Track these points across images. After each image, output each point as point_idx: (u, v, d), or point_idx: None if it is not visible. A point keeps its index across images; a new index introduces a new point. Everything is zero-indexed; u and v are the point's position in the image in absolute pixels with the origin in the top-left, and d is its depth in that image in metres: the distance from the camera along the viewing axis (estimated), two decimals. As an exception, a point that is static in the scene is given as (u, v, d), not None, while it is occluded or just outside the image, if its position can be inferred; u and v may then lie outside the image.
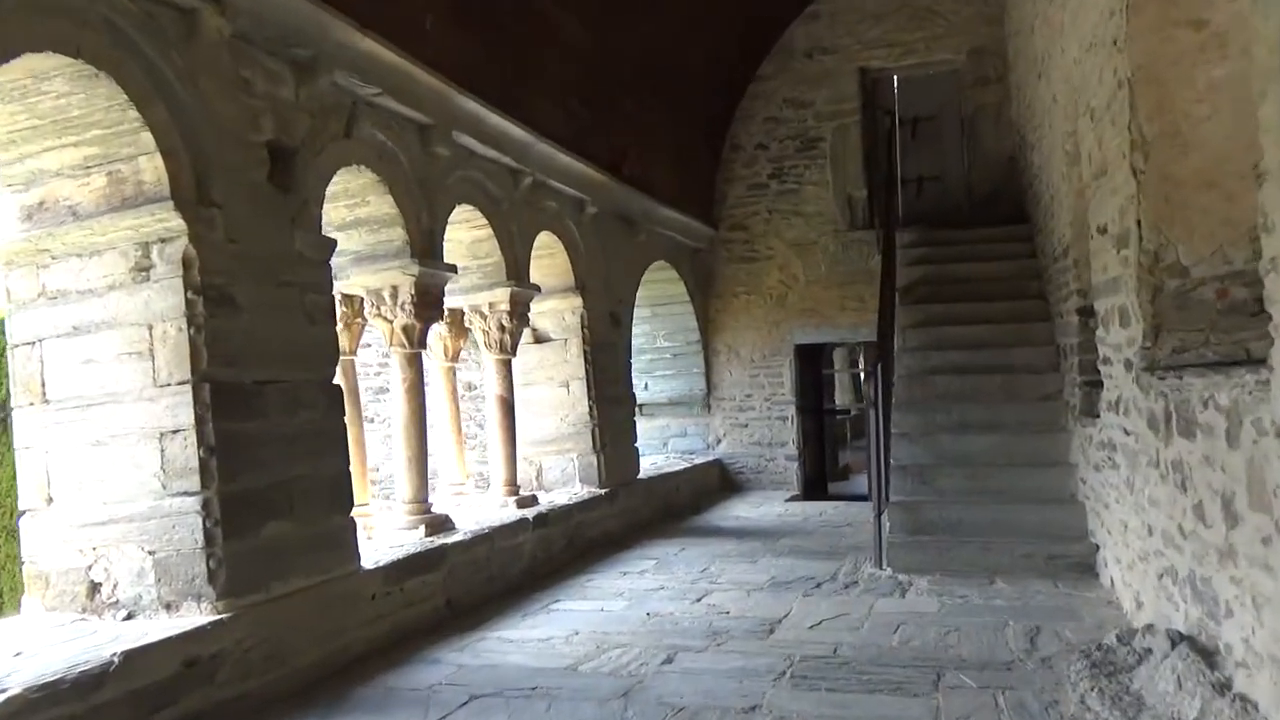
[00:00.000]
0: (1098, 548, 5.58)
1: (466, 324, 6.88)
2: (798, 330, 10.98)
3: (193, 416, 3.77)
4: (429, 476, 5.79)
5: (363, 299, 5.67)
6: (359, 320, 5.80)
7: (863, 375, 10.01)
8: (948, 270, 8.59)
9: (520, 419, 7.81)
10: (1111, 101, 4.52)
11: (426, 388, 5.86)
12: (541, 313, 7.92)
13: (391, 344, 5.66)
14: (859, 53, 10.79)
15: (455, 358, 7.05)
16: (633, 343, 11.05)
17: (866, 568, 6.10)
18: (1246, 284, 3.98)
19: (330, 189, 5.19)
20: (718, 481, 10.93)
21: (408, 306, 5.55)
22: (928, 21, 10.56)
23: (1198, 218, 4.06)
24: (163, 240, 3.83)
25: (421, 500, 5.65)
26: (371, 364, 11.79)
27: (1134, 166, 4.18)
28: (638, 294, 10.31)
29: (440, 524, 5.64)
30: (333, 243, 4.68)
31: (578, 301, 7.85)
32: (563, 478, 7.90)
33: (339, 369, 5.52)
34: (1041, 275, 7.98)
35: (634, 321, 10.85)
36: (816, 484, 11.48)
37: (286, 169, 4.38)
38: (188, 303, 3.79)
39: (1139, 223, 4.13)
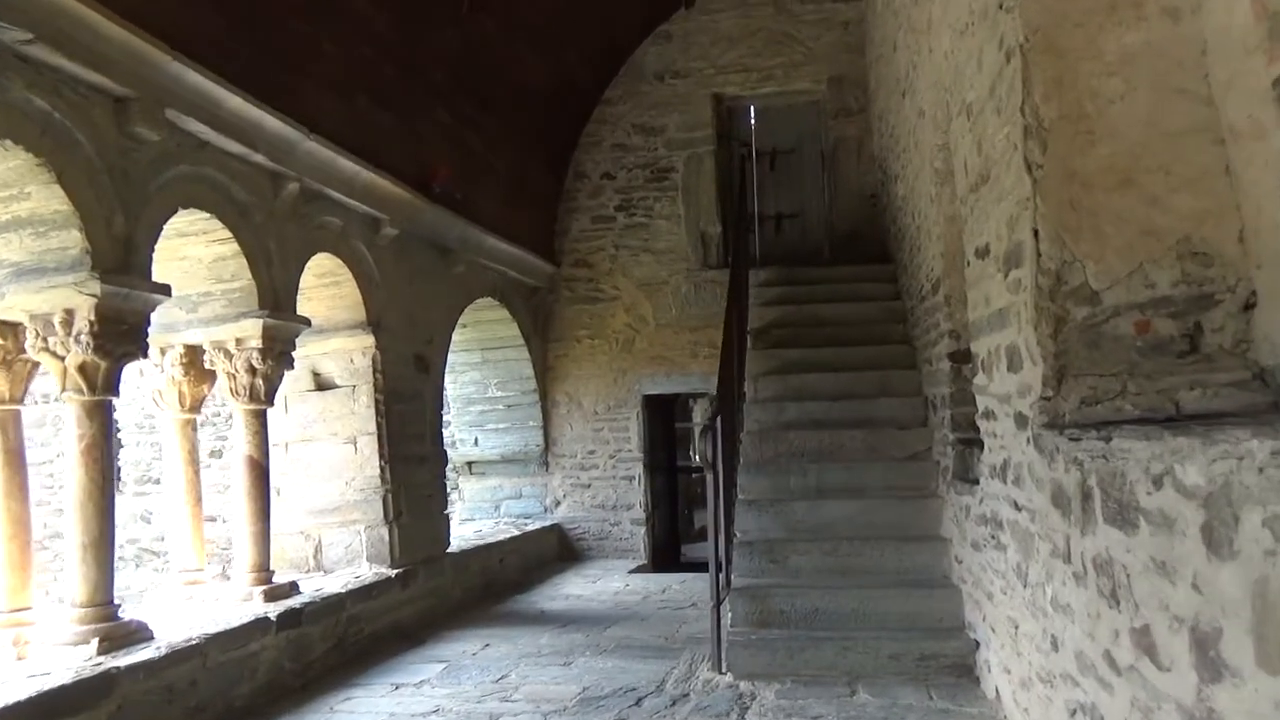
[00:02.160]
0: (977, 644, 4.53)
1: (209, 364, 5.40)
2: (646, 379, 9.85)
3: None
4: (113, 566, 4.27)
5: (24, 328, 4.16)
6: (21, 357, 4.28)
7: (697, 431, 8.92)
8: (807, 311, 7.62)
9: (297, 483, 6.38)
10: (996, 84, 3.55)
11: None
12: (325, 353, 6.50)
13: (64, 388, 4.17)
14: (713, 77, 9.91)
15: (195, 408, 5.55)
16: (463, 391, 9.81)
17: (703, 671, 4.88)
18: (1173, 314, 3.00)
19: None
20: (555, 550, 9.60)
21: (85, 338, 4.08)
22: (786, 47, 9.77)
23: (1111, 227, 3.07)
24: None
25: (103, 602, 4.14)
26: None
27: (1028, 160, 3.17)
28: (462, 336, 9.05)
29: (126, 635, 4.13)
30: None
31: (369, 341, 6.46)
32: (347, 555, 6.43)
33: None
34: (907, 318, 7.09)
35: (463, 368, 9.61)
36: (667, 550, 10.29)
37: None
38: None
39: (1036, 233, 3.12)
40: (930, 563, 5.20)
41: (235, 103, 4.83)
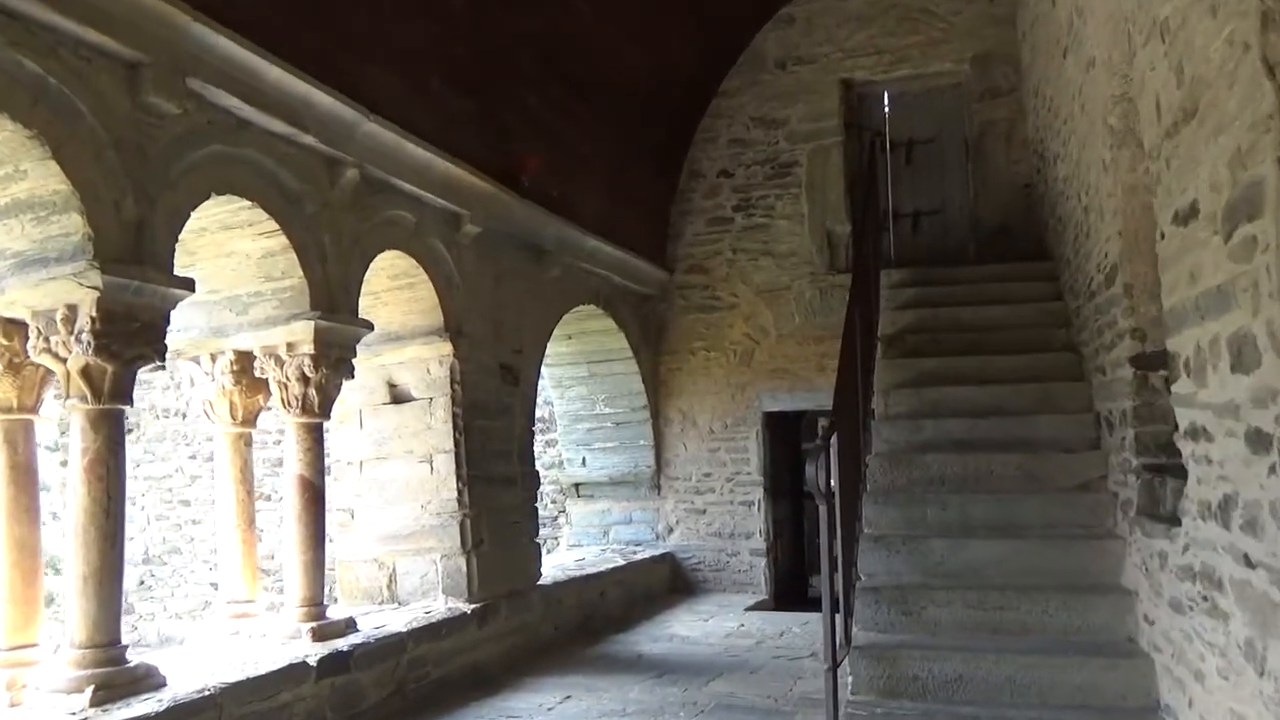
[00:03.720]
0: (1179, 736, 3.44)
1: (260, 372, 4.86)
2: (767, 395, 8.92)
3: None
4: (119, 600, 3.72)
5: (27, 325, 3.67)
6: (29, 361, 3.78)
7: (808, 453, 7.91)
8: (947, 315, 6.56)
9: (371, 506, 5.81)
10: (1209, -28, 2.55)
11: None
12: (401, 363, 5.92)
13: (68, 395, 3.65)
14: (840, 62, 8.94)
15: (248, 421, 5.02)
16: (569, 408, 9.16)
17: (816, 750, 3.96)
18: None
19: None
20: (666, 582, 8.76)
21: (86, 337, 3.55)
22: (922, 24, 8.72)
23: None
24: None
25: (106, 643, 3.58)
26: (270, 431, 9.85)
27: (1268, 60, 2.19)
28: (567, 348, 8.41)
29: (131, 683, 3.56)
30: None
31: (446, 349, 5.83)
32: (422, 586, 5.80)
33: (-5, 433, 3.58)
34: (1071, 321, 5.95)
35: (569, 382, 8.96)
36: (791, 584, 9.28)
37: None
38: None
39: (1285, 163, 2.13)
40: (1108, 622, 4.11)
41: (276, 75, 4.28)
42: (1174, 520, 3.44)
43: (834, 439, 4.03)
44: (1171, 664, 3.52)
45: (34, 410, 3.88)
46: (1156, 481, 3.94)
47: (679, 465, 9.14)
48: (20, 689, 3.54)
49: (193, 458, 11.08)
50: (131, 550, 11.31)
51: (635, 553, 8.68)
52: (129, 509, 11.28)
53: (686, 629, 7.04)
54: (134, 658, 3.70)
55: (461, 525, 5.76)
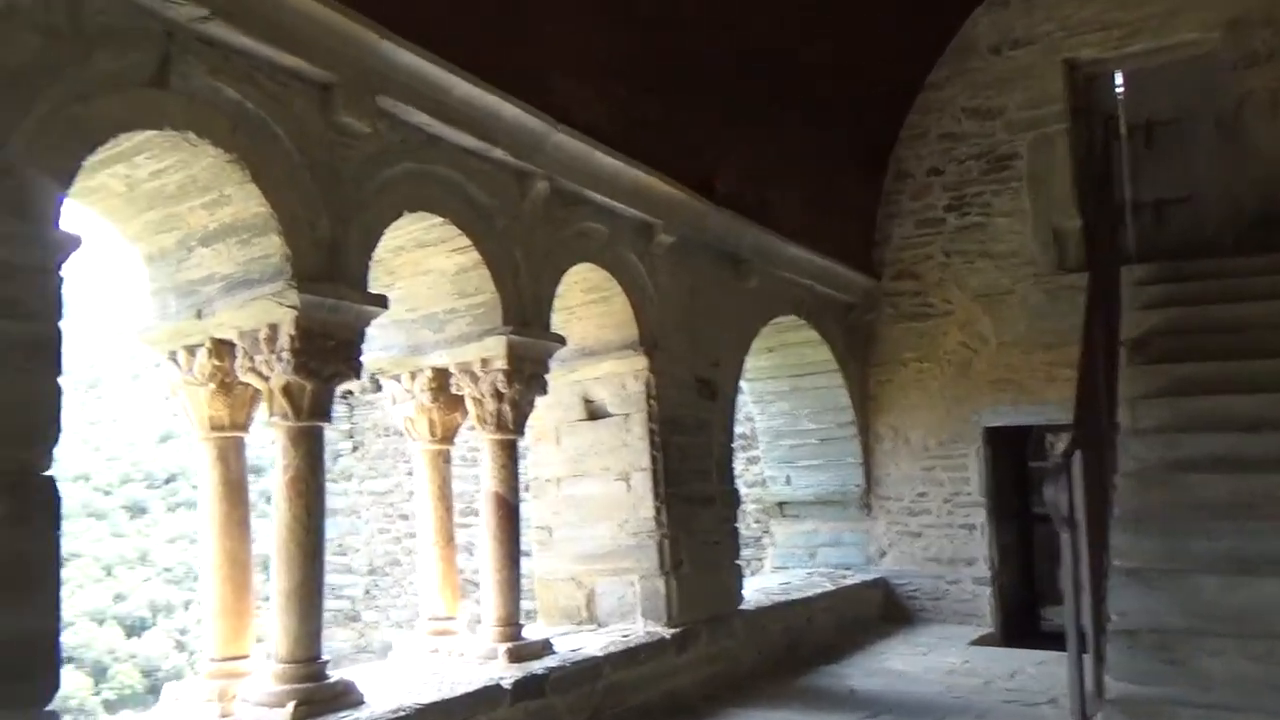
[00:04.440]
0: None
1: (456, 389, 4.86)
2: (988, 409, 8.20)
3: None
4: (319, 616, 3.73)
5: (235, 346, 3.78)
6: (235, 378, 3.89)
7: (1042, 473, 7.14)
8: (1202, 315, 5.75)
9: (569, 524, 5.73)
10: None
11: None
12: (596, 378, 5.81)
13: (270, 413, 3.72)
14: (1063, 41, 8.13)
15: (446, 438, 5.02)
16: (771, 424, 8.81)
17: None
18: None
19: (164, 178, 3.43)
20: (878, 610, 8.19)
21: (287, 356, 3.60)
22: (1161, -10, 7.80)
23: None
24: None
25: (306, 658, 3.60)
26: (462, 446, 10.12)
27: None
28: (767, 362, 8.09)
29: (331, 699, 3.56)
30: (57, 237, 2.79)
31: (642, 363, 5.66)
32: (620, 608, 5.62)
33: (211, 449, 3.71)
34: (1367, 315, 5.02)
35: (770, 397, 8.62)
36: (1020, 617, 8.47)
37: (-47, 108, 2.57)
38: None
39: None
40: None
41: (464, 89, 4.25)
42: None
43: (1076, 457, 3.49)
44: None
45: (244, 428, 3.98)
46: None
47: (890, 484, 8.56)
48: (230, 700, 3.61)
49: (410, 474, 11.54)
50: (357, 561, 11.99)
51: (845, 577, 8.18)
52: (355, 522, 11.92)
53: (903, 663, 6.50)
54: (334, 674, 3.70)
55: (659, 545, 5.55)
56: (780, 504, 8.91)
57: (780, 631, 6.58)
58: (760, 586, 7.49)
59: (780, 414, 8.77)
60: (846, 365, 8.42)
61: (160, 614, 33.01)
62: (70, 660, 32.01)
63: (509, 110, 4.50)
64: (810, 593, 7.30)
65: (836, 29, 7.14)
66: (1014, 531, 8.71)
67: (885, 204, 8.80)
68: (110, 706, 29.35)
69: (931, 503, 8.37)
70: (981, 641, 7.37)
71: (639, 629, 5.42)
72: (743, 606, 6.28)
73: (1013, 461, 8.80)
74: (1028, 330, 8.09)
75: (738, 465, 6.87)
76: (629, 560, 5.60)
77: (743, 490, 7.22)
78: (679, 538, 5.66)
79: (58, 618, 2.65)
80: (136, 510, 41.26)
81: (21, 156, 2.72)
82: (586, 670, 4.61)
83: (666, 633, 5.36)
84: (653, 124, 5.68)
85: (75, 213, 3.78)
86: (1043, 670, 6.04)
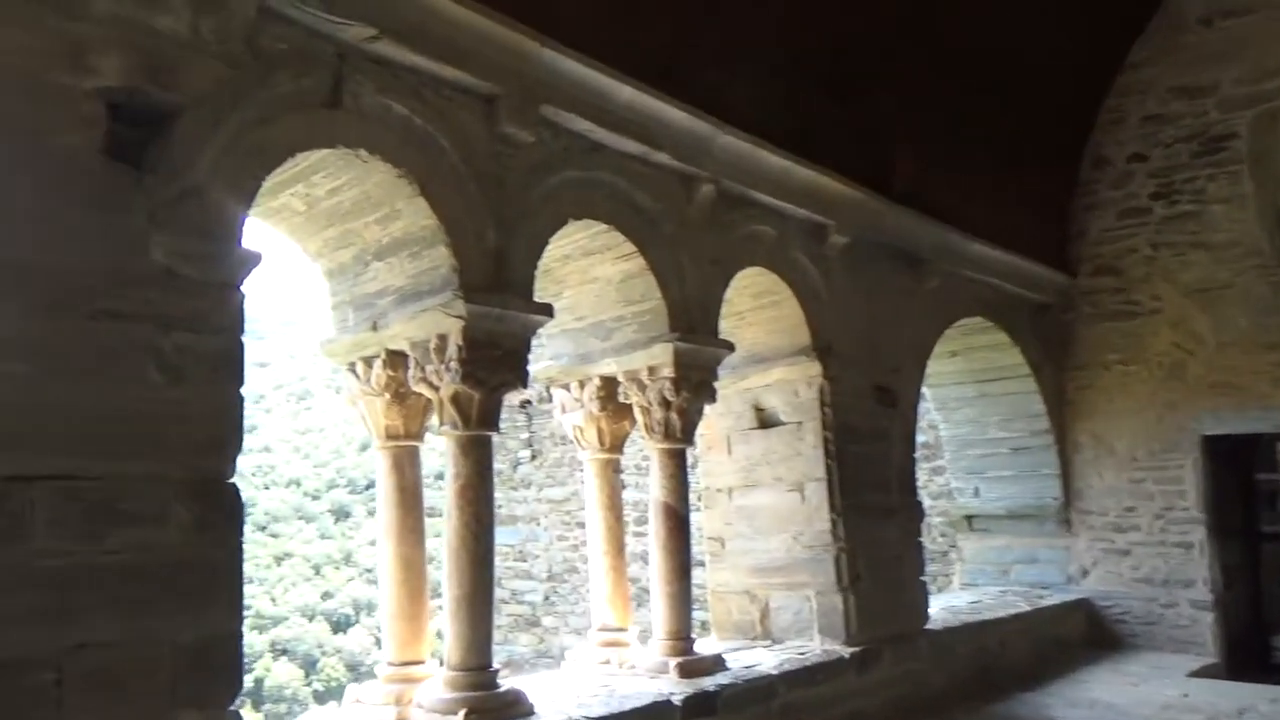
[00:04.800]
0: None
1: (623, 397, 4.82)
2: (1206, 415, 7.43)
3: None
4: (490, 624, 3.74)
5: (408, 357, 3.86)
6: (409, 389, 3.98)
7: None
8: None
9: (741, 535, 5.60)
10: None
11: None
12: (767, 385, 5.63)
13: (441, 422, 3.78)
14: (1288, 5, 7.31)
15: (615, 447, 4.99)
16: (956, 432, 8.36)
17: None
18: None
19: (340, 195, 3.56)
20: (1081, 634, 7.57)
21: (455, 365, 3.64)
22: None
23: None
24: None
25: (478, 666, 3.62)
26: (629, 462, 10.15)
27: None
28: (950, 367, 7.68)
29: (501, 708, 3.56)
30: (238, 252, 2.91)
31: (815, 369, 5.44)
32: (796, 624, 5.42)
33: (387, 457, 3.83)
34: None
35: (955, 404, 8.18)
36: (1248, 647, 7.62)
37: (146, 135, 2.72)
38: None
39: None
40: None
41: (627, 94, 4.20)
42: None
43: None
44: None
45: (418, 437, 4.08)
46: None
47: (1093, 497, 7.90)
48: (407, 704, 3.68)
49: (584, 482, 11.71)
50: (537, 568, 12.26)
51: (1042, 597, 7.61)
52: (534, 529, 12.22)
53: (1111, 694, 5.95)
54: (504, 682, 3.71)
55: (836, 559, 5.30)
56: (968, 517, 8.40)
57: (970, 654, 6.16)
58: (947, 605, 7.07)
59: (967, 421, 8.28)
60: (1040, 369, 7.86)
61: (362, 611, 35.09)
62: (284, 652, 34.59)
63: (673, 114, 4.42)
64: (1004, 613, 6.82)
65: (1022, 8, 6.67)
66: (1239, 551, 7.86)
67: (1080, 195, 8.17)
68: (319, 697, 31.44)
69: (1141, 518, 7.66)
70: (1202, 673, 6.66)
71: (815, 647, 5.20)
72: (928, 626, 5.93)
73: (1236, 473, 7.94)
74: (1251, 328, 7.29)
75: (920, 476, 6.53)
76: (804, 574, 5.38)
77: (927, 502, 6.84)
78: (857, 551, 5.39)
79: (240, 621, 2.75)
80: (341, 514, 44.20)
81: (207, 178, 2.85)
82: (760, 689, 4.44)
83: (845, 652, 5.11)
84: (822, 120, 5.47)
85: (261, 232, 4.00)
86: (1277, 710, 5.37)
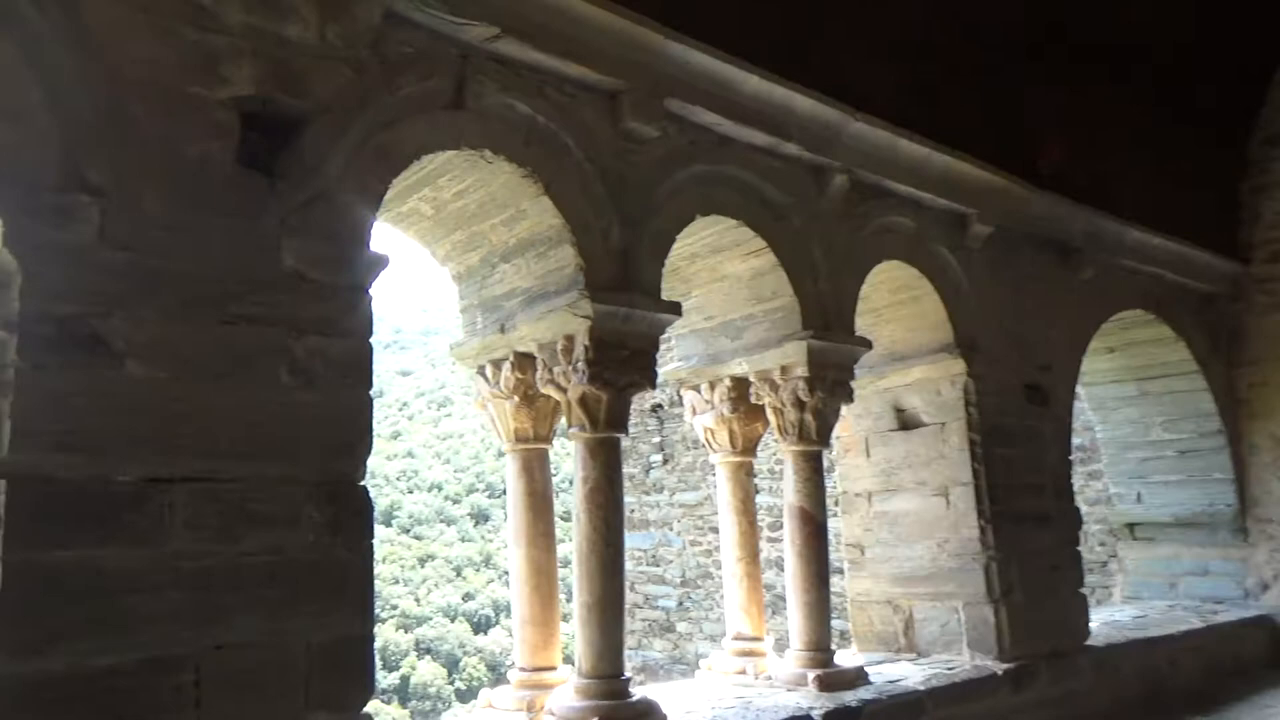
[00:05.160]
0: None
1: (755, 398, 4.66)
2: (1407, 413, 6.69)
3: None
4: (621, 631, 3.65)
5: (535, 358, 3.82)
6: (537, 391, 3.93)
7: None
8: None
9: (882, 543, 5.36)
10: None
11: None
12: (907, 385, 5.36)
13: (569, 425, 3.73)
14: None
15: (748, 450, 4.83)
16: (1115, 434, 7.83)
17: None
18: None
19: (465, 198, 3.56)
20: (1264, 653, 6.90)
21: (582, 366, 3.58)
22: None
23: None
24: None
25: (609, 674, 3.53)
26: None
27: None
28: (1107, 364, 7.18)
29: (632, 718, 3.46)
30: (367, 256, 2.91)
31: (958, 367, 5.15)
32: (943, 637, 5.12)
33: (517, 461, 3.82)
34: None
35: (1113, 403, 7.66)
36: None
37: (277, 142, 2.76)
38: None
39: None
40: None
41: (755, 84, 4.06)
42: None
43: None
44: None
45: (547, 440, 4.04)
46: None
47: (1272, 505, 7.22)
48: (538, 711, 3.63)
49: (716, 486, 11.56)
50: (670, 573, 12.17)
51: (1215, 612, 7.00)
52: (667, 534, 12.13)
53: (1300, 720, 5.39)
54: (636, 692, 3.61)
55: (986, 569, 4.99)
56: (1130, 525, 7.83)
57: (1136, 673, 5.70)
58: (1110, 619, 6.59)
59: (1127, 422, 7.72)
60: (1207, 365, 7.25)
61: (501, 613, 35.95)
62: (427, 651, 35.76)
63: (802, 102, 4.25)
64: (1173, 629, 6.29)
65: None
66: None
67: (1250, 175, 7.53)
68: (461, 695, 32.32)
69: (1330, 527, 6.96)
70: None
71: (965, 661, 4.90)
72: (1089, 642, 5.51)
73: None
74: None
75: (1076, 480, 6.08)
76: (951, 584, 5.09)
77: (1083, 509, 6.39)
78: (1009, 561, 5.06)
79: (371, 624, 2.74)
80: (480, 517, 45.48)
81: (336, 183, 2.87)
82: (906, 705, 4.19)
83: (998, 668, 4.79)
84: (961, 104, 5.18)
85: (392, 238, 4.05)
86: None
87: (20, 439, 2.16)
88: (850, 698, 4.08)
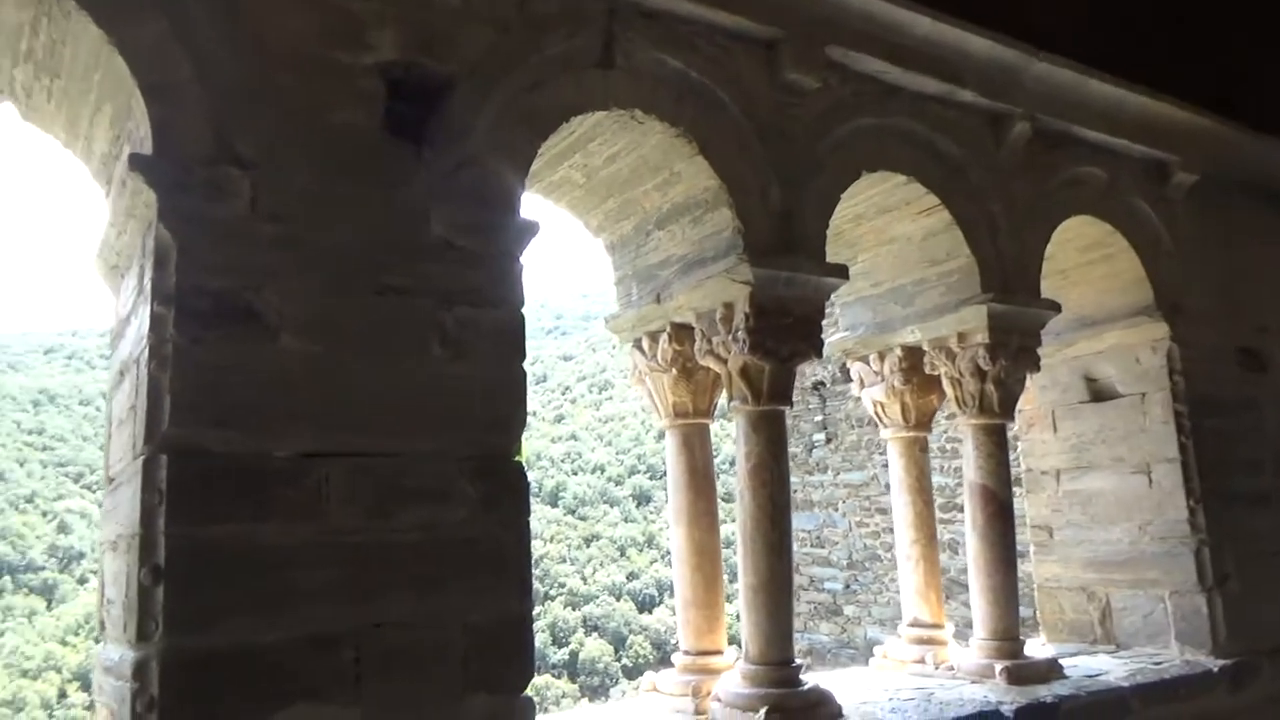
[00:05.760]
0: None
1: (930, 368, 4.32)
2: None
3: None
4: (789, 615, 3.44)
5: (693, 328, 3.65)
6: (696, 363, 3.76)
7: None
8: None
9: (1073, 524, 4.93)
10: None
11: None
12: (1099, 352, 4.89)
13: (730, 397, 3.54)
14: None
15: (922, 424, 4.50)
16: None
17: None
18: None
19: (617, 162, 3.44)
20: None
21: (742, 335, 3.38)
22: None
23: None
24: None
25: (778, 661, 3.33)
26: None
27: None
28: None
29: (805, 708, 3.25)
30: (517, 222, 2.81)
31: (1160, 331, 4.64)
32: (1146, 628, 4.65)
33: (676, 436, 3.68)
34: None
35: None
36: None
37: (423, 108, 2.68)
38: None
39: None
40: None
41: (925, 26, 3.73)
42: None
43: None
44: None
45: (708, 414, 3.86)
46: None
47: None
48: (704, 695, 3.48)
49: (884, 466, 11.09)
50: (836, 554, 11.82)
51: None
52: (831, 515, 11.78)
53: None
54: (808, 679, 3.40)
55: (1197, 555, 4.48)
56: (1363, 507, 6.94)
57: (1378, 674, 5.02)
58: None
59: (1357, 392, 6.84)
60: None
61: (665, 593, 36.30)
62: (594, 629, 36.55)
63: (978, 43, 3.89)
64: None
65: None
66: None
67: None
68: (628, 672, 32.87)
69: None
70: None
71: (1174, 656, 4.42)
72: (1320, 639, 4.89)
73: None
74: None
75: (1301, 456, 5.41)
76: (1155, 570, 4.60)
77: (1308, 488, 5.69)
78: (1223, 545, 4.53)
79: (529, 604, 2.64)
80: (642, 498, 46.06)
81: (484, 148, 2.78)
82: (1108, 702, 3.80)
83: (1213, 664, 4.30)
84: (1155, 38, 4.66)
85: (544, 211, 3.96)
86: None
87: (180, 413, 2.16)
88: (1045, 693, 3.72)
